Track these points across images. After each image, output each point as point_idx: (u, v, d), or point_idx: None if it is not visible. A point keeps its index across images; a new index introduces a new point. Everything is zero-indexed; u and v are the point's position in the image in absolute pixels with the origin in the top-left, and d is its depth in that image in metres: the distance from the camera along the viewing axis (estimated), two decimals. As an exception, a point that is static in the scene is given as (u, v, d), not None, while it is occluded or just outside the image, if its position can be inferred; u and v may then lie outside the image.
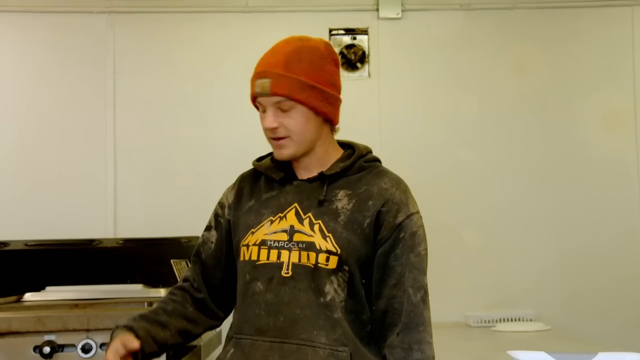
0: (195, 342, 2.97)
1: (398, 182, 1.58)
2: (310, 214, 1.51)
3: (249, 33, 3.43)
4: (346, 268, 1.48)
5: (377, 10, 3.45)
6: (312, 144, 1.56)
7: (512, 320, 3.15)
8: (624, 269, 3.44)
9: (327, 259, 1.47)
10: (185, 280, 1.73)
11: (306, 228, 1.50)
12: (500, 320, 3.14)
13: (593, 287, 3.41)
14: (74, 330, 2.44)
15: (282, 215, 1.53)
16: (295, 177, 1.60)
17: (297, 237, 1.50)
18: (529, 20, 3.52)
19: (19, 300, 2.75)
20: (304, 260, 1.47)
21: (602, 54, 3.54)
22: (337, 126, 1.62)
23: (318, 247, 1.47)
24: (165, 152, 3.35)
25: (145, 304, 2.51)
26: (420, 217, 1.58)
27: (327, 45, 1.59)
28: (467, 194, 3.42)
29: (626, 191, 3.49)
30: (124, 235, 3.24)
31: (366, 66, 3.45)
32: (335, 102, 1.56)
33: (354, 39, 3.45)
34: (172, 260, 2.60)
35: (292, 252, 1.48)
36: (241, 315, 1.54)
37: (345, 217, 1.51)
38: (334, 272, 1.47)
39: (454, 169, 3.43)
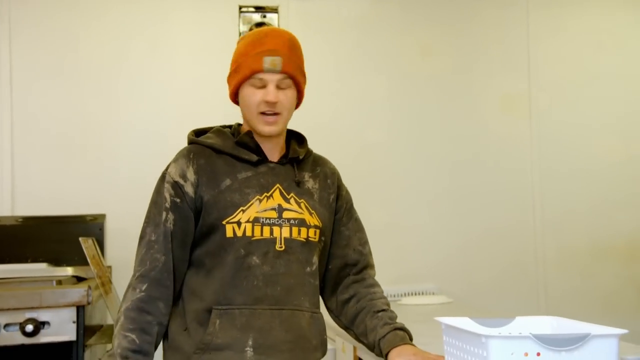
0: (107, 322, 2.94)
1: (332, 164, 1.90)
2: (293, 194, 1.70)
3: (157, 9, 3.38)
4: (323, 239, 1.75)
5: (287, -12, 3.49)
6: (287, 125, 1.77)
7: (416, 294, 3.30)
8: (516, 244, 3.70)
9: (315, 233, 1.70)
10: (150, 278, 1.63)
11: (294, 206, 1.69)
12: (405, 294, 3.28)
13: (489, 261, 3.64)
14: (-23, 310, 2.36)
15: (268, 194, 1.67)
16: (266, 159, 1.73)
17: (286, 214, 1.67)
18: (432, 3, 3.68)
19: None
20: (294, 235, 1.67)
21: (500, 40, 3.76)
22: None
23: (308, 223, 1.69)
24: (68, 127, 3.25)
25: (54, 282, 2.45)
26: None
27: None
28: (375, 175, 3.54)
29: (520, 172, 3.74)
30: (23, 212, 3.13)
31: (276, 44, 3.47)
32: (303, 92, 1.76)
33: (264, 17, 3.47)
34: (80, 238, 2.54)
35: (283, 227, 1.66)
36: (232, 287, 1.62)
37: (317, 196, 1.75)
38: (317, 244, 1.72)
39: (362, 149, 3.54)
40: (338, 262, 1.80)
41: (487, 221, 3.65)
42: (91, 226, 3.12)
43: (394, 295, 3.28)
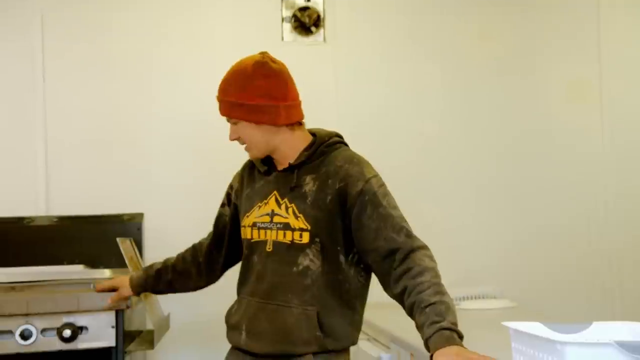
0: (147, 327, 2.95)
1: (350, 158, 1.98)
2: (286, 199, 1.97)
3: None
4: (317, 240, 1.93)
5: (333, -29, 3.45)
6: (271, 145, 1.99)
7: (476, 298, 3.21)
8: (586, 243, 3.61)
9: (301, 235, 1.93)
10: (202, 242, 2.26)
11: (282, 211, 1.96)
12: (464, 298, 3.19)
13: (555, 262, 3.55)
14: (11, 315, 2.38)
15: (266, 201, 2.00)
16: (275, 169, 2.03)
17: (276, 219, 1.97)
18: (492, -16, 3.60)
19: (-52, 284, 2.64)
20: (280, 237, 1.95)
21: (566, 20, 3.68)
22: (299, 121, 2.00)
23: (292, 227, 1.94)
24: (103, 122, 3.28)
25: (92, 285, 2.46)
26: (379, 178, 1.96)
27: (256, 64, 1.96)
28: (428, 168, 3.50)
29: (590, 165, 3.65)
30: (58, 212, 3.16)
31: (321, 30, 3.44)
32: (272, 109, 1.94)
33: (308, 0, 3.44)
34: (117, 239, 2.55)
35: (273, 231, 1.97)
36: (243, 279, 2.06)
37: (311, 198, 1.94)
38: (307, 245, 1.93)
39: (414, 141, 3.50)
40: (375, 256, 1.89)
41: (554, 218, 3.57)
42: (129, 226, 3.15)
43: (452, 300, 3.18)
